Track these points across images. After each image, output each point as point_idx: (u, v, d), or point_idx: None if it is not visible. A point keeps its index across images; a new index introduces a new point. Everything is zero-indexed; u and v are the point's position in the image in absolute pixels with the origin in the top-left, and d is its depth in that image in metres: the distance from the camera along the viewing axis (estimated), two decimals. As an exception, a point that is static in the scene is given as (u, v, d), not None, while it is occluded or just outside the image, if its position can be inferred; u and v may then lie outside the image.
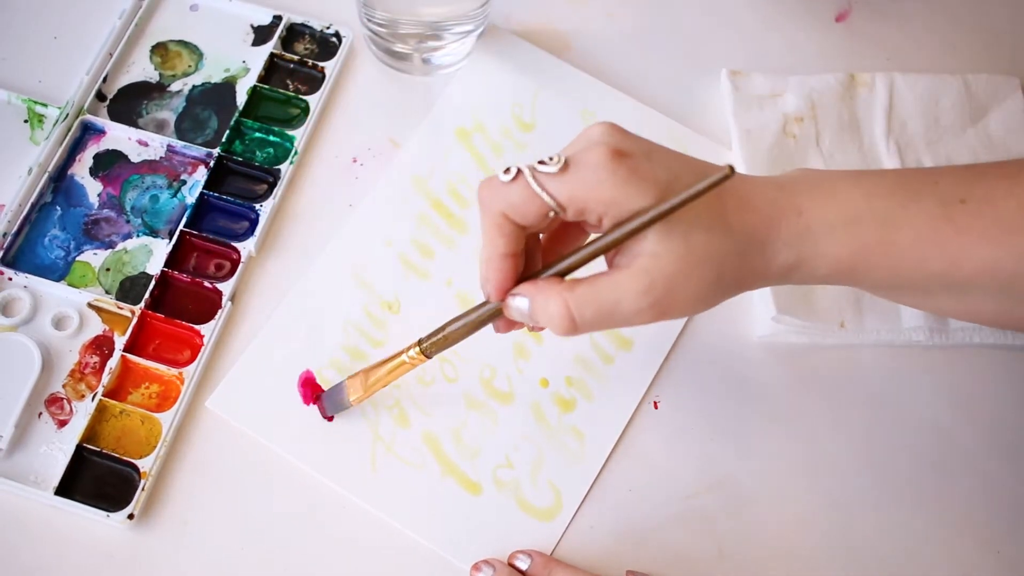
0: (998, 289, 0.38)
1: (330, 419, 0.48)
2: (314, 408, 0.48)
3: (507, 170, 0.36)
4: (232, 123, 0.54)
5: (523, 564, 0.45)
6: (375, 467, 0.47)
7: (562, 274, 0.38)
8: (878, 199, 0.37)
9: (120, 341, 0.49)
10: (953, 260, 0.37)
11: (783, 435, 0.50)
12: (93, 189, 0.53)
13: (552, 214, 0.36)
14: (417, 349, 0.41)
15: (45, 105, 0.54)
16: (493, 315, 0.39)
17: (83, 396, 0.48)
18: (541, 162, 0.36)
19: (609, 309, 0.36)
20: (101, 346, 0.49)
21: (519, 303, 0.37)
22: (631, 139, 0.37)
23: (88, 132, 0.54)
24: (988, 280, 0.37)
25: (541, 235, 0.40)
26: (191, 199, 0.53)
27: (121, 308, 0.49)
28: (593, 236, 0.37)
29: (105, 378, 0.47)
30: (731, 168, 0.33)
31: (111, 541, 0.45)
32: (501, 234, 0.37)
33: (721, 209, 0.37)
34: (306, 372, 0.49)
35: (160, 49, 0.57)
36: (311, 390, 0.48)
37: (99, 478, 0.46)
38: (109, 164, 0.54)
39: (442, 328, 0.41)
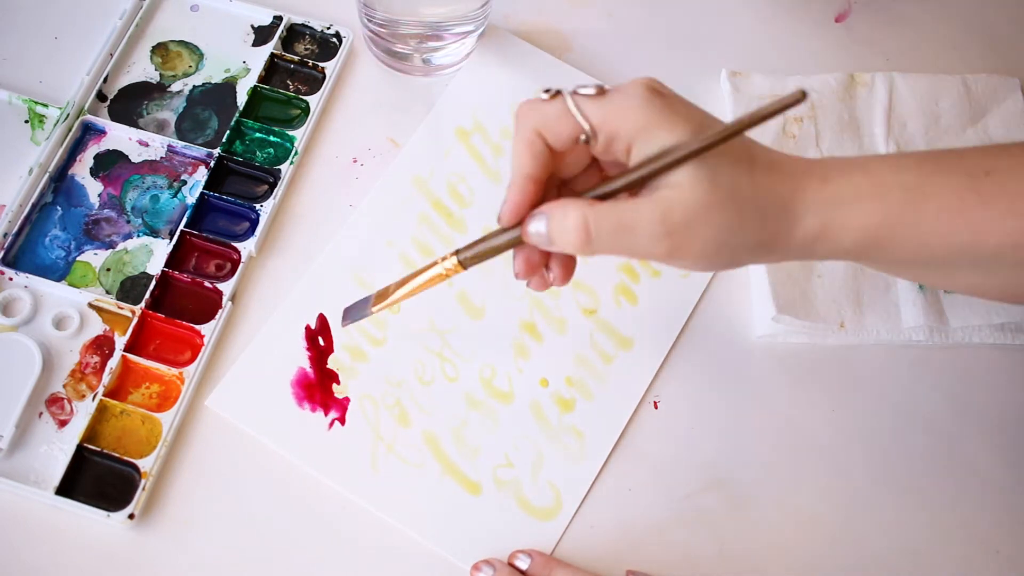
0: (1022, 262, 0.38)
1: (344, 326, 0.47)
2: (314, 408, 0.48)
3: (547, 90, 0.37)
4: (232, 123, 0.54)
5: (523, 564, 0.45)
6: (375, 467, 0.47)
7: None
8: (905, 172, 0.37)
9: (120, 341, 0.49)
10: (979, 231, 0.37)
11: (783, 435, 0.50)
12: (94, 189, 0.53)
13: (584, 138, 0.37)
14: (455, 260, 0.40)
15: (46, 105, 0.54)
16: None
17: (84, 396, 0.48)
18: (581, 86, 0.37)
19: (625, 229, 0.36)
20: (101, 346, 0.49)
21: (537, 225, 0.37)
22: (668, 89, 0.38)
23: (89, 132, 0.54)
24: (1013, 252, 0.37)
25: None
26: (191, 199, 0.53)
27: (122, 308, 0.49)
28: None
29: (106, 378, 0.47)
30: (803, 92, 0.32)
31: (111, 541, 0.45)
32: (531, 152, 0.37)
33: (750, 161, 0.37)
34: (300, 372, 0.49)
35: (161, 49, 0.57)
36: (305, 391, 0.48)
37: (99, 478, 0.46)
38: (110, 164, 0.54)
39: (480, 240, 0.40)
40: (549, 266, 0.41)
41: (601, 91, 0.37)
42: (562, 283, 0.41)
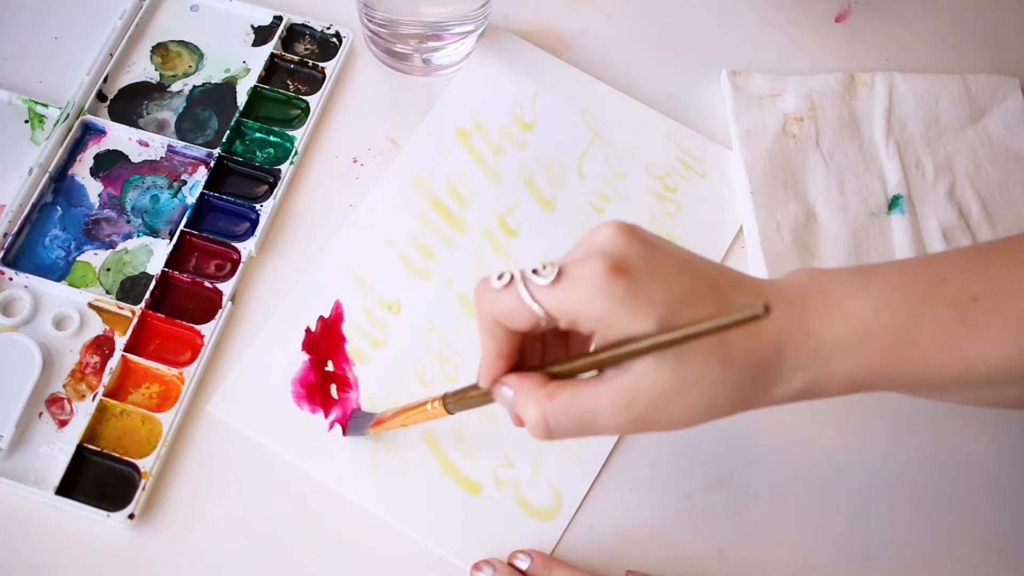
0: (1017, 380, 0.37)
1: (345, 435, 0.48)
2: (314, 409, 0.48)
3: (500, 276, 0.35)
4: (232, 123, 0.54)
5: (523, 564, 0.45)
6: (375, 467, 0.47)
7: (551, 375, 0.37)
8: (888, 311, 0.36)
9: (120, 341, 0.49)
10: (970, 361, 0.36)
11: (783, 434, 0.50)
12: (94, 189, 0.53)
13: (543, 323, 0.35)
14: (440, 403, 0.41)
15: (46, 105, 0.54)
16: None
17: (83, 396, 0.48)
18: (535, 271, 0.34)
19: (587, 422, 0.35)
20: (101, 346, 0.49)
21: (504, 392, 0.37)
22: (637, 246, 0.35)
23: (89, 132, 0.54)
24: (1006, 374, 0.36)
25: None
26: (191, 199, 0.53)
27: (122, 308, 0.49)
28: (594, 346, 0.36)
29: (106, 378, 0.47)
30: (766, 308, 0.29)
31: (111, 541, 0.45)
32: (492, 337, 0.36)
33: (723, 335, 0.34)
34: (300, 373, 0.49)
35: (161, 49, 0.57)
36: (305, 392, 0.48)
37: (99, 478, 0.46)
38: (110, 164, 0.54)
39: (465, 390, 0.40)
40: None
41: (558, 276, 0.34)
42: (520, 425, 0.40)
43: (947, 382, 0.37)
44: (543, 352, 0.39)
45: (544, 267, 0.34)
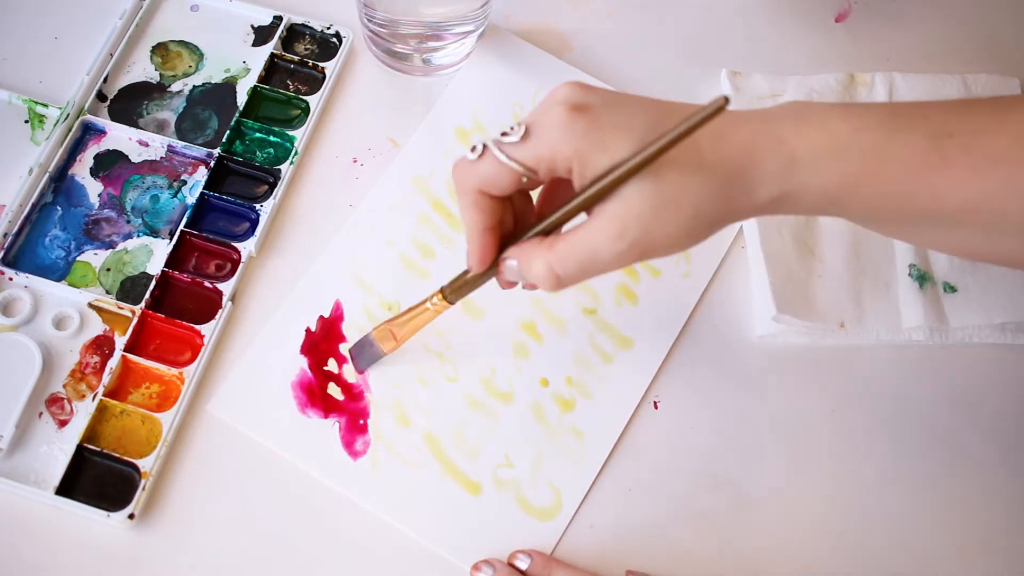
0: (983, 224, 0.37)
1: (361, 372, 0.49)
2: (314, 409, 0.48)
3: (473, 148, 0.37)
4: (232, 123, 0.54)
5: (523, 564, 0.45)
6: (375, 467, 0.47)
7: (546, 232, 0.39)
8: (865, 132, 0.37)
9: (120, 341, 0.49)
10: (939, 194, 0.36)
11: (783, 434, 0.50)
12: (94, 189, 0.53)
13: (526, 179, 0.37)
14: (439, 296, 0.43)
15: (46, 105, 0.54)
16: (492, 272, 0.41)
17: (83, 396, 0.48)
18: (504, 133, 0.37)
19: (590, 260, 0.37)
20: (101, 346, 0.49)
21: (510, 269, 0.39)
22: (592, 93, 0.37)
23: (89, 132, 0.54)
24: (974, 214, 0.37)
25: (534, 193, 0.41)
26: (191, 199, 0.53)
27: (121, 308, 0.49)
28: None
29: (105, 378, 0.47)
30: (725, 99, 0.32)
31: (111, 541, 0.45)
32: (479, 210, 0.38)
33: (694, 147, 0.36)
34: (300, 373, 0.49)
35: (161, 49, 0.57)
36: (305, 392, 0.48)
37: (99, 478, 0.46)
38: (110, 164, 0.54)
39: (460, 276, 0.42)
40: None
41: (526, 132, 0.36)
42: (508, 288, 0.43)
43: (915, 213, 0.37)
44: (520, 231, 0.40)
45: (511, 128, 0.37)
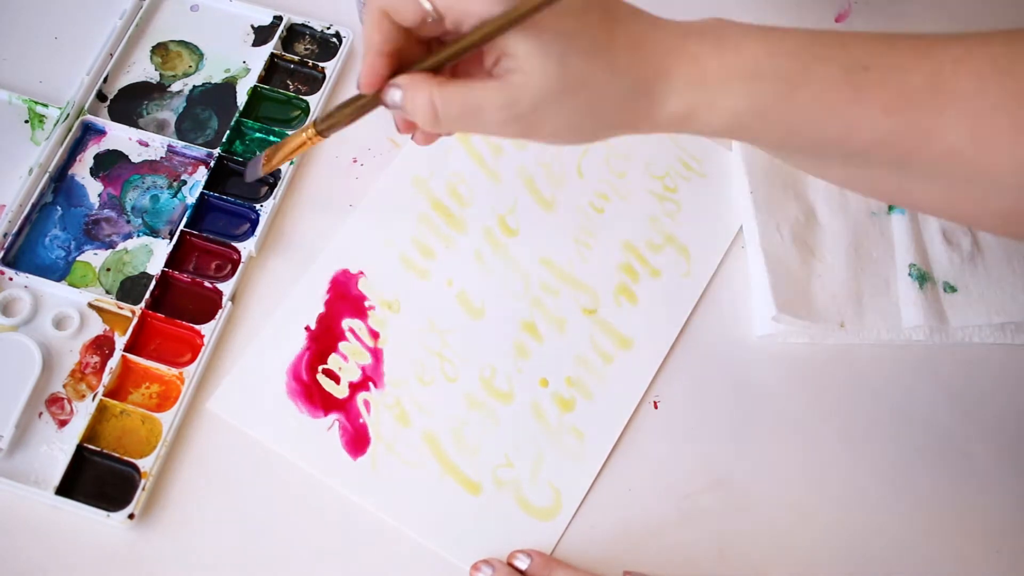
0: (892, 163, 0.37)
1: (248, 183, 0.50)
2: (314, 409, 0.48)
3: None
4: (232, 123, 0.54)
5: (522, 564, 0.45)
6: (375, 467, 0.47)
7: (434, 70, 0.37)
8: (781, 57, 0.36)
9: (120, 341, 0.49)
10: (850, 127, 0.36)
11: (783, 434, 0.50)
12: (94, 189, 0.53)
13: (431, 20, 0.36)
14: (312, 130, 0.42)
15: (46, 105, 0.54)
16: (374, 101, 0.39)
17: (83, 396, 0.48)
18: None
19: (472, 111, 0.36)
20: (101, 346, 0.49)
21: (392, 94, 0.38)
22: None
23: (89, 132, 0.54)
24: (883, 152, 0.36)
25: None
26: (191, 199, 0.53)
27: (121, 308, 0.49)
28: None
29: (105, 378, 0.47)
30: None
31: (111, 541, 0.45)
32: (378, 31, 0.37)
33: (608, 41, 0.36)
34: (300, 373, 0.49)
35: (160, 49, 0.57)
36: (305, 392, 0.48)
37: (99, 478, 0.46)
38: (110, 164, 0.54)
39: (334, 109, 0.41)
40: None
41: None
42: (422, 143, 0.42)
43: (825, 145, 0.37)
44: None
45: None
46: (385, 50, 0.37)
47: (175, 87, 0.56)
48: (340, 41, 0.58)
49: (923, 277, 0.53)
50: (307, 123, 0.43)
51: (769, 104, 0.36)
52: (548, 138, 0.38)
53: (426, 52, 0.39)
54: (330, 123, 0.41)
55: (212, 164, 0.53)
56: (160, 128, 0.55)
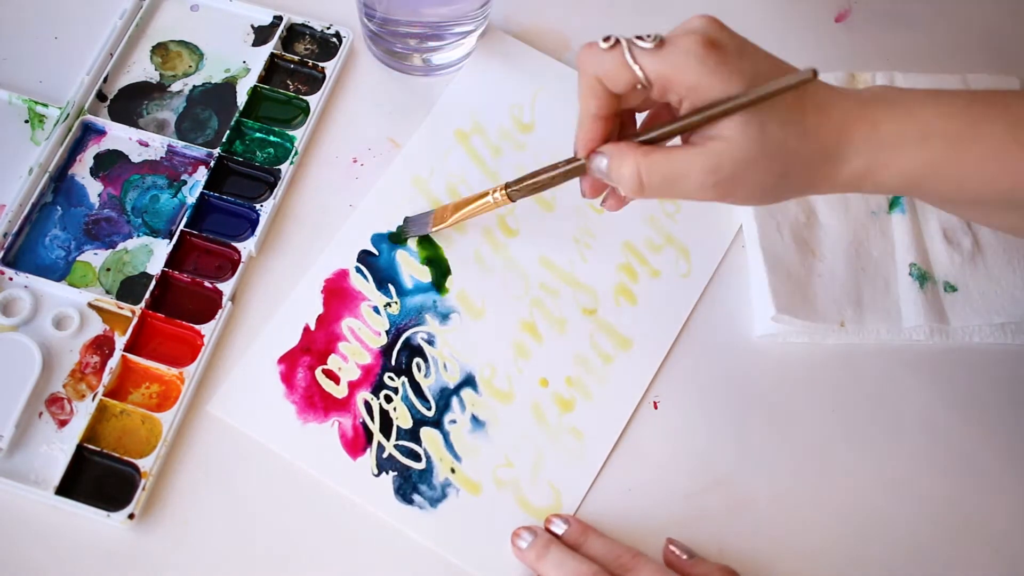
0: None
1: (405, 241, 0.52)
2: (314, 409, 0.48)
3: (607, 38, 0.39)
4: (232, 123, 0.54)
5: (559, 528, 0.46)
6: (375, 467, 0.47)
7: (643, 143, 0.40)
8: (950, 119, 0.39)
9: (120, 341, 0.49)
10: (1018, 179, 0.39)
11: (783, 435, 0.50)
12: (94, 189, 0.53)
13: (640, 87, 0.38)
14: (503, 192, 0.44)
15: (46, 105, 0.54)
16: (576, 170, 0.42)
17: (83, 396, 0.48)
18: (639, 37, 0.38)
19: (675, 179, 0.38)
20: (101, 346, 0.49)
21: (599, 161, 0.40)
22: (728, 34, 0.39)
23: (89, 132, 0.54)
24: None
25: (638, 114, 0.43)
26: (191, 199, 0.53)
27: (121, 308, 0.49)
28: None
29: (105, 378, 0.47)
30: (814, 72, 0.36)
31: (111, 541, 0.45)
32: (593, 96, 0.40)
33: (800, 111, 0.38)
34: (300, 373, 0.49)
35: (160, 49, 0.57)
36: (305, 392, 0.48)
37: (99, 478, 0.46)
38: (110, 164, 0.54)
39: (530, 175, 0.44)
40: (610, 191, 0.44)
41: (660, 43, 0.38)
42: (614, 209, 0.44)
43: (991, 197, 0.40)
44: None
45: (648, 35, 0.38)
46: (601, 115, 0.40)
47: (175, 87, 0.56)
48: (340, 41, 0.58)
49: (923, 277, 0.53)
50: (496, 186, 0.45)
51: (940, 163, 0.39)
52: (740, 200, 0.40)
53: (617, 124, 0.41)
54: (527, 188, 0.44)
55: (212, 164, 0.53)
56: (160, 128, 0.55)
